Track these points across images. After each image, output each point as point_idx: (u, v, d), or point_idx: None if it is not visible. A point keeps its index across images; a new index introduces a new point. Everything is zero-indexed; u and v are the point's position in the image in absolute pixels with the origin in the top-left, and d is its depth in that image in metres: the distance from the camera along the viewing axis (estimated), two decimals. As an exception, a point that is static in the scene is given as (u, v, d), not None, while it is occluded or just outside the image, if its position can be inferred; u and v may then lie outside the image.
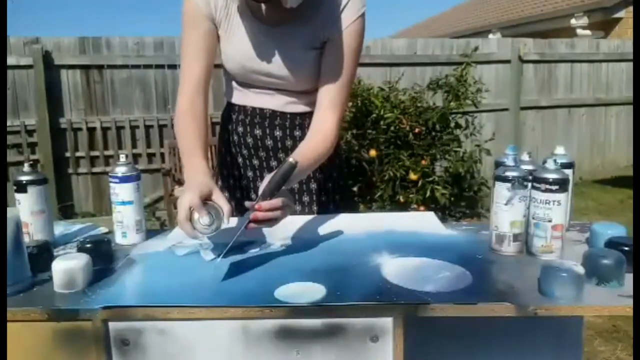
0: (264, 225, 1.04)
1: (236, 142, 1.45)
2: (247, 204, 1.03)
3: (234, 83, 1.42)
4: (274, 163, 1.43)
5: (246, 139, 1.43)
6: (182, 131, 1.26)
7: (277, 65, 1.30)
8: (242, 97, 1.41)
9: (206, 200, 1.04)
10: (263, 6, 1.26)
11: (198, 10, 1.29)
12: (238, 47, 1.31)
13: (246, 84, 1.39)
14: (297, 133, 1.41)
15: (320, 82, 1.30)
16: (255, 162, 1.45)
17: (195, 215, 1.02)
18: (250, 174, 1.47)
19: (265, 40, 1.30)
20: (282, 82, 1.34)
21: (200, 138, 1.23)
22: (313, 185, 1.45)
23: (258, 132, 1.41)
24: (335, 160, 1.47)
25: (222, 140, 1.51)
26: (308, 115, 1.38)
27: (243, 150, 1.45)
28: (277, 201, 1.02)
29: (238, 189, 1.50)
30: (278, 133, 1.41)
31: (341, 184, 1.52)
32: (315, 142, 1.26)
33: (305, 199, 1.46)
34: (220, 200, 1.06)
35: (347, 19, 1.26)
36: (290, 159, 1.03)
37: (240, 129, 1.43)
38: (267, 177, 1.05)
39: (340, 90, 1.29)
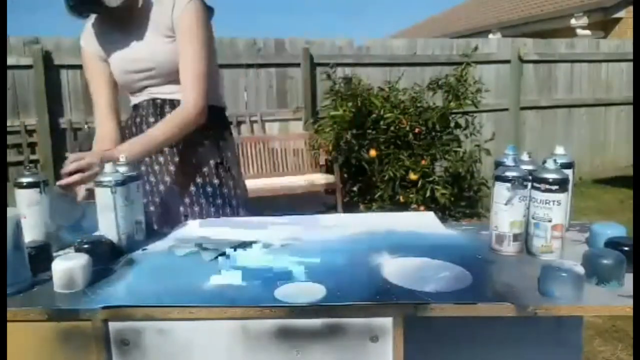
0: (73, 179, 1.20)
1: (134, 133, 1.55)
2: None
3: (129, 96, 1.61)
4: (166, 148, 1.52)
5: (142, 127, 1.53)
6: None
7: (140, 57, 1.47)
8: (136, 99, 1.58)
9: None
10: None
11: (92, 56, 1.55)
12: (114, 57, 1.52)
13: (136, 90, 1.55)
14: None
15: (179, 65, 1.46)
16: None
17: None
18: (146, 159, 1.54)
19: (126, 43, 1.49)
20: (152, 72, 1.48)
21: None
22: (209, 189, 1.55)
23: (151, 119, 1.52)
24: (225, 171, 1.57)
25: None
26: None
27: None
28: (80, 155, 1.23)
29: (152, 174, 1.57)
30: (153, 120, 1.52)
31: (238, 192, 1.59)
32: (172, 115, 1.46)
33: (202, 200, 1.54)
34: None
35: (181, 3, 1.43)
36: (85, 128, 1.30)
37: (137, 120, 1.56)
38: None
39: (192, 70, 1.44)
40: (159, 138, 1.41)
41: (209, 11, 1.49)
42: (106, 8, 1.40)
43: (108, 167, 1.14)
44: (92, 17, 1.53)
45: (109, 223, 1.12)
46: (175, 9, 1.43)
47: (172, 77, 1.48)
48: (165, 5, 1.45)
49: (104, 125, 1.55)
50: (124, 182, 1.13)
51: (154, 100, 1.53)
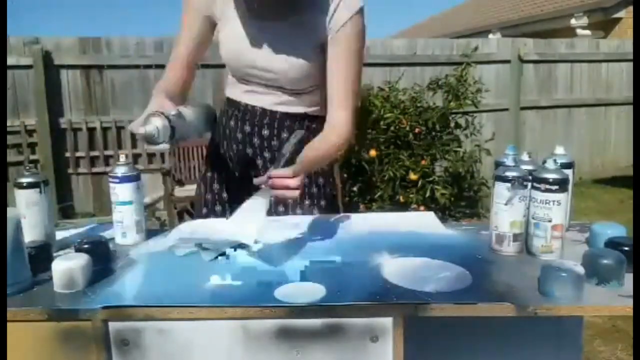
0: (284, 195, 1.08)
1: (228, 135, 1.46)
2: (256, 180, 1.11)
3: (230, 77, 1.45)
4: (259, 161, 1.43)
5: (236, 134, 1.44)
6: (157, 88, 1.34)
7: (266, 59, 1.32)
8: (237, 92, 1.43)
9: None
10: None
11: (198, 2, 1.36)
12: (231, 37, 1.35)
13: (241, 79, 1.41)
14: (284, 135, 1.40)
15: (328, 83, 1.32)
16: (244, 156, 1.45)
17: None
18: (237, 169, 1.47)
19: (257, 34, 1.32)
20: (271, 77, 1.34)
21: (173, 86, 1.36)
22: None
23: (247, 128, 1.42)
24: (324, 167, 1.47)
25: (217, 132, 1.51)
26: (299, 118, 1.40)
27: (233, 145, 1.45)
28: (286, 170, 1.07)
29: (226, 182, 1.49)
30: (265, 132, 1.41)
31: (328, 191, 1.48)
32: (325, 134, 1.31)
33: (289, 200, 1.43)
34: (165, 104, 1.14)
35: (342, 17, 1.27)
36: (300, 131, 1.11)
37: (232, 123, 1.45)
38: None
39: (345, 88, 1.31)
40: (319, 160, 1.30)
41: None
42: None
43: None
44: None
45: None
46: (334, 19, 1.27)
47: (289, 85, 1.35)
48: (323, 11, 1.27)
49: (179, 68, 1.39)
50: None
51: (254, 106, 1.40)
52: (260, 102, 1.40)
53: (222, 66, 1.43)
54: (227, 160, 1.48)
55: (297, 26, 1.30)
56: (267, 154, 1.42)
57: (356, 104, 1.35)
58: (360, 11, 1.28)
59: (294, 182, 1.07)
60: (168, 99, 1.19)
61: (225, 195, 1.49)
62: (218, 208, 1.50)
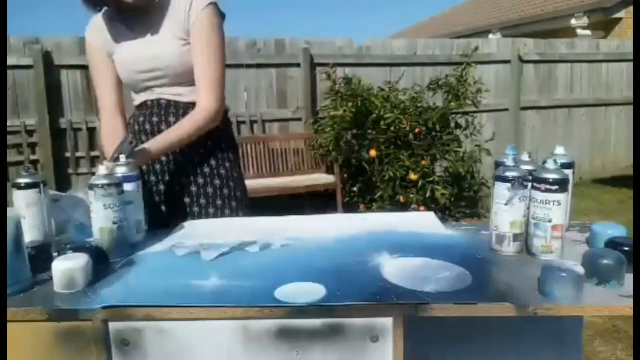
0: None
1: (136, 130, 1.55)
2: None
3: (132, 94, 1.59)
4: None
5: (144, 126, 1.54)
6: (107, 145, 1.50)
7: (150, 57, 1.46)
8: (142, 98, 1.56)
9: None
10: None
11: (98, 50, 1.53)
12: (121, 54, 1.51)
13: (140, 89, 1.54)
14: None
15: (194, 69, 1.47)
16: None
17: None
18: (163, 158, 1.53)
19: (137, 42, 1.48)
20: (160, 74, 1.48)
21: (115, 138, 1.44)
22: (209, 189, 1.54)
23: (155, 119, 1.52)
24: (234, 174, 1.58)
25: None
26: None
27: (142, 137, 1.53)
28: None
29: (152, 173, 1.56)
30: (172, 119, 1.51)
31: (238, 195, 1.57)
32: (193, 114, 1.46)
33: (202, 201, 1.53)
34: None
35: (198, 7, 1.43)
36: (128, 136, 1.27)
37: (140, 119, 1.55)
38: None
39: (209, 72, 1.46)
40: (176, 139, 1.43)
41: (222, 16, 1.50)
42: (122, 2, 1.40)
43: (102, 169, 1.13)
44: (100, 11, 1.52)
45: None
46: (191, 12, 1.44)
47: (180, 79, 1.48)
48: (181, 7, 1.45)
49: (110, 121, 1.55)
50: (119, 184, 1.12)
51: (158, 100, 1.52)
52: (163, 96, 1.52)
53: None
54: None
55: (163, 21, 1.46)
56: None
57: (221, 89, 1.49)
58: (215, 3, 1.45)
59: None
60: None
61: None
62: None
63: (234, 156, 1.61)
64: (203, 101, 1.46)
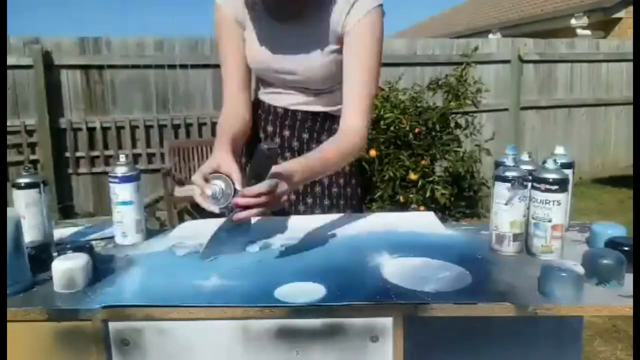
0: (253, 214, 1.00)
1: (262, 139, 1.43)
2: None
3: (260, 83, 1.43)
4: (280, 162, 1.41)
5: (274, 139, 1.41)
6: (219, 130, 1.26)
7: (293, 62, 1.30)
8: (260, 93, 1.42)
9: (216, 172, 1.04)
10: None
11: (228, 18, 1.32)
12: (256, 46, 1.32)
13: (270, 84, 1.39)
14: (305, 135, 1.40)
15: (343, 82, 1.29)
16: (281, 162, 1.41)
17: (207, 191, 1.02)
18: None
19: (281, 38, 1.30)
20: (300, 79, 1.32)
21: (231, 134, 1.22)
22: (317, 189, 1.44)
23: (269, 129, 1.41)
24: (345, 168, 1.46)
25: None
26: (319, 118, 1.39)
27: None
28: (260, 187, 0.98)
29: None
30: (286, 133, 1.40)
31: (349, 191, 1.48)
32: (337, 137, 1.26)
33: (309, 200, 1.45)
34: (231, 167, 1.03)
35: (358, 14, 1.23)
36: (262, 145, 0.99)
37: (269, 128, 1.42)
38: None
39: (360, 86, 1.27)
40: (321, 169, 1.21)
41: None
42: None
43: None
44: None
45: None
46: (351, 15, 1.23)
47: (319, 86, 1.34)
48: (339, 5, 1.24)
49: (233, 99, 1.35)
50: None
51: (294, 111, 1.37)
52: (280, 102, 1.39)
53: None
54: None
55: (315, 26, 1.27)
56: (287, 154, 1.40)
57: (372, 106, 1.31)
58: (380, 6, 1.24)
59: (260, 200, 0.98)
60: (232, 147, 1.14)
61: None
62: None
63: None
64: (355, 123, 1.26)
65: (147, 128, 5.04)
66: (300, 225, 1.29)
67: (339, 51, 1.28)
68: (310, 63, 1.29)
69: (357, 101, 1.27)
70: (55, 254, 1.01)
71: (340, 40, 1.27)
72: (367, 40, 1.25)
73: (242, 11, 1.31)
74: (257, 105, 1.44)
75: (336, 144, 1.24)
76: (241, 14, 1.31)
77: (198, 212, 4.23)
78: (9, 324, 0.85)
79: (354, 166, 1.50)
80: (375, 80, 1.30)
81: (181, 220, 4.11)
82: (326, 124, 1.40)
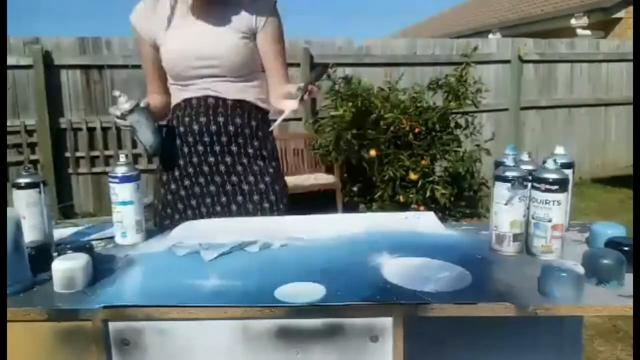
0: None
1: (182, 132, 1.52)
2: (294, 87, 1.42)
3: (174, 87, 1.56)
4: (217, 147, 1.51)
5: (192, 127, 1.51)
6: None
7: (210, 48, 1.47)
8: (186, 94, 1.53)
9: None
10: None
11: (142, 38, 1.54)
12: (175, 39, 1.49)
13: (186, 80, 1.51)
14: (238, 120, 1.51)
15: (267, 63, 1.54)
16: (200, 148, 1.51)
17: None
18: (195, 159, 1.52)
19: (198, 28, 1.48)
20: (216, 63, 1.47)
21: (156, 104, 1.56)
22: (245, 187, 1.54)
23: (202, 119, 1.50)
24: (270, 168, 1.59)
25: (168, 137, 1.56)
26: (248, 107, 1.53)
27: (189, 138, 1.51)
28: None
29: (185, 177, 1.54)
30: (221, 119, 1.50)
31: (261, 187, 1.56)
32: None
33: (272, 198, 1.56)
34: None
35: (267, 5, 1.49)
36: (317, 66, 1.41)
37: (186, 119, 1.52)
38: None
39: (283, 66, 1.58)
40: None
41: None
42: None
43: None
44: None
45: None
46: (259, 11, 1.48)
47: (233, 72, 1.49)
48: (245, 4, 1.48)
49: (153, 96, 1.59)
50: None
51: (205, 97, 1.50)
52: (212, 93, 1.50)
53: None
54: (179, 158, 1.54)
55: (229, 14, 1.48)
56: (224, 138, 1.51)
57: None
58: (275, 2, 1.51)
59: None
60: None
61: (182, 192, 1.55)
62: (180, 206, 1.55)
63: (274, 151, 1.63)
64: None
65: (147, 128, 5.03)
66: (300, 225, 1.29)
67: (252, 38, 1.50)
68: (225, 43, 1.47)
69: (286, 77, 1.58)
70: (55, 254, 1.02)
71: (252, 30, 1.49)
72: (280, 34, 1.54)
73: (159, 24, 1.50)
74: (183, 107, 1.54)
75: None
76: (157, 28, 1.50)
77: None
78: (9, 324, 0.85)
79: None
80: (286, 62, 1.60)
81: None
82: (255, 113, 1.54)
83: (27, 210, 1.10)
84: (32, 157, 4.71)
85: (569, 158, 1.18)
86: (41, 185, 1.12)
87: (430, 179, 4.27)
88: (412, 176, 4.23)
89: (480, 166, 4.57)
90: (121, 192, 1.17)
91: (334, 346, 0.88)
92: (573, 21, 8.39)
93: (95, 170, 4.93)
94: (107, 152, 4.94)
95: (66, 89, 4.83)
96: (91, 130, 4.89)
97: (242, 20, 1.48)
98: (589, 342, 2.43)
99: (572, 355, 1.21)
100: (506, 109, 6.12)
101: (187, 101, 1.52)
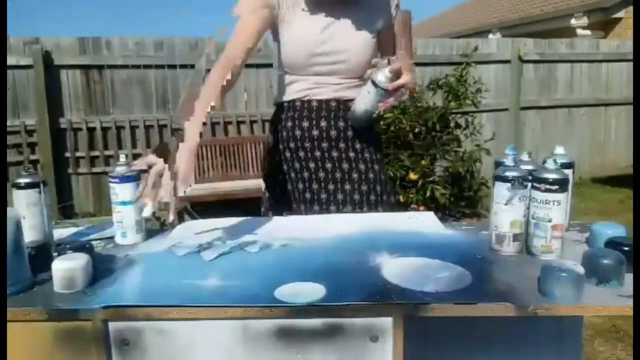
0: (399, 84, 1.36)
1: (284, 137, 1.51)
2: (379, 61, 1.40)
3: (284, 81, 1.50)
4: (317, 153, 1.48)
5: (294, 132, 1.49)
6: (209, 83, 1.31)
7: (339, 44, 1.43)
8: (292, 92, 1.49)
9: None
10: None
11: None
12: (301, 29, 1.44)
13: (303, 71, 1.46)
14: (341, 124, 1.48)
15: (399, 44, 1.46)
16: (317, 153, 1.49)
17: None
18: (312, 165, 1.50)
19: (332, 21, 1.43)
20: (341, 60, 1.44)
21: (213, 97, 1.28)
22: (354, 175, 1.50)
23: (305, 124, 1.47)
24: (377, 152, 1.55)
25: (272, 141, 1.56)
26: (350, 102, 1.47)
27: (291, 144, 1.50)
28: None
29: (300, 181, 1.52)
30: (323, 124, 1.48)
31: (382, 178, 1.53)
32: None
33: (347, 187, 1.49)
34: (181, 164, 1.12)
35: (393, 3, 1.48)
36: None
37: (289, 124, 1.49)
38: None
39: (410, 58, 1.46)
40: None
41: None
42: None
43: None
44: None
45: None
46: (388, 5, 1.48)
47: (353, 72, 1.47)
48: (375, 3, 1.47)
49: (222, 73, 1.34)
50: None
51: (309, 101, 1.47)
52: (317, 96, 1.47)
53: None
54: (282, 161, 1.53)
55: (358, 13, 1.44)
56: (324, 144, 1.48)
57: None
58: None
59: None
60: (206, 110, 1.22)
61: (278, 191, 1.57)
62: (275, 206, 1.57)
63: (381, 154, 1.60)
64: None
65: (147, 128, 5.04)
66: (300, 225, 1.29)
67: (377, 37, 1.46)
68: (351, 45, 1.44)
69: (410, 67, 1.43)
70: (55, 254, 1.02)
71: (381, 26, 1.47)
72: (407, 24, 1.47)
73: (287, 6, 1.43)
74: (286, 108, 1.50)
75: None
76: (283, 8, 1.43)
77: (198, 212, 4.23)
78: (9, 324, 0.85)
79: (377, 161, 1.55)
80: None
81: (181, 220, 4.11)
82: (343, 109, 1.48)
83: (27, 210, 1.10)
84: (32, 157, 4.71)
85: (569, 158, 1.18)
86: (41, 185, 1.12)
87: (430, 179, 4.27)
88: (412, 176, 4.23)
89: (480, 166, 4.57)
90: (121, 192, 1.17)
91: (333, 346, 0.88)
92: (573, 21, 8.39)
93: (95, 170, 4.93)
94: (107, 152, 4.94)
95: (66, 89, 4.83)
96: (91, 130, 4.89)
97: (376, 19, 1.47)
98: (589, 342, 2.43)
99: (572, 355, 1.21)
100: (506, 109, 6.12)
101: (290, 104, 1.49)
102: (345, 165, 1.49)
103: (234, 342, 0.88)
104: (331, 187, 1.49)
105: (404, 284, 0.93)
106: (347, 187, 1.49)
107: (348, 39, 1.44)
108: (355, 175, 1.49)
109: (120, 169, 1.17)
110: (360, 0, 1.46)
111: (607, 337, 2.52)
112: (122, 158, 1.20)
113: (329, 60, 1.44)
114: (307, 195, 1.50)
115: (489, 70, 5.92)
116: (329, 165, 1.48)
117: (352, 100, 1.46)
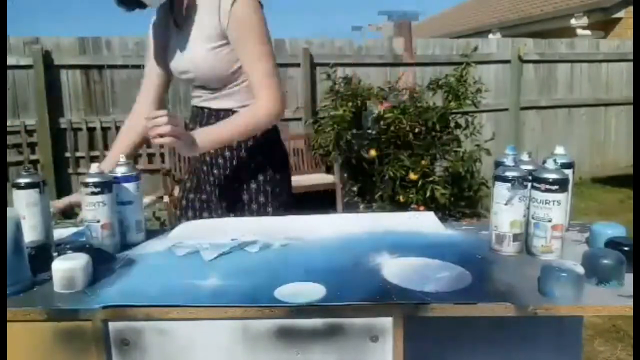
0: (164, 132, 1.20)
1: None
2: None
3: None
4: (207, 156, 1.51)
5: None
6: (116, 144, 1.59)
7: (184, 62, 1.44)
8: (192, 101, 1.56)
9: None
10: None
11: (151, 41, 1.56)
12: (169, 53, 1.51)
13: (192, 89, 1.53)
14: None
15: (243, 68, 1.39)
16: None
17: None
18: (196, 169, 1.59)
19: (176, 41, 1.46)
20: (193, 77, 1.45)
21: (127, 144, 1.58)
22: (267, 187, 1.51)
23: (197, 127, 1.48)
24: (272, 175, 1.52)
25: None
26: (231, 113, 1.44)
27: None
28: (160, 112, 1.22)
29: (190, 184, 1.62)
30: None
31: (277, 190, 1.52)
32: (251, 109, 1.38)
33: (261, 199, 1.50)
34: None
35: (226, 4, 1.33)
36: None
37: (190, 126, 1.55)
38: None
39: (258, 68, 1.36)
40: (227, 135, 1.36)
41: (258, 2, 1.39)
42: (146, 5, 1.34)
43: (93, 167, 1.14)
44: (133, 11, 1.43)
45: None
46: (221, 11, 1.33)
47: (209, 84, 1.44)
48: (212, 6, 1.35)
49: (132, 120, 1.58)
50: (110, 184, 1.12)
51: (201, 107, 1.51)
52: (200, 103, 1.51)
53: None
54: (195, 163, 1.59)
55: (197, 26, 1.40)
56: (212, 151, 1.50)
57: (277, 83, 1.39)
58: None
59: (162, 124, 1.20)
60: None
61: (191, 195, 1.61)
62: (190, 213, 1.60)
63: (283, 157, 1.59)
64: (263, 98, 1.36)
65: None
66: (300, 225, 1.29)
67: (227, 45, 1.37)
68: (195, 59, 1.41)
69: (260, 79, 1.36)
70: (55, 254, 1.02)
71: (224, 35, 1.36)
72: (253, 21, 1.35)
73: (160, 37, 1.52)
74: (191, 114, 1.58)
75: (245, 113, 1.38)
76: (161, 41, 1.51)
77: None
78: (9, 324, 0.85)
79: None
80: (268, 57, 1.38)
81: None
82: (220, 115, 1.47)
83: (27, 210, 1.10)
84: (32, 157, 4.71)
85: (569, 158, 1.18)
86: (41, 185, 1.12)
87: (430, 179, 4.27)
88: (412, 176, 4.23)
89: (480, 166, 4.57)
90: (121, 192, 1.17)
91: (333, 346, 0.88)
92: (573, 21, 8.39)
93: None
94: (107, 152, 4.93)
95: (66, 89, 4.83)
96: (91, 130, 4.89)
97: (208, 25, 1.37)
98: (589, 342, 2.43)
99: (572, 355, 1.21)
100: (506, 109, 6.12)
101: (194, 108, 1.55)
102: (216, 171, 1.52)
103: (234, 342, 0.88)
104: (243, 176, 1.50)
105: (404, 284, 0.93)
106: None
107: (185, 57, 1.43)
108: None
109: (120, 169, 1.17)
110: (191, 20, 1.40)
111: (607, 337, 2.52)
112: (122, 158, 1.20)
113: (185, 78, 1.48)
114: (212, 197, 1.55)
115: (489, 70, 5.92)
116: (215, 171, 1.52)
117: (224, 110, 1.45)
